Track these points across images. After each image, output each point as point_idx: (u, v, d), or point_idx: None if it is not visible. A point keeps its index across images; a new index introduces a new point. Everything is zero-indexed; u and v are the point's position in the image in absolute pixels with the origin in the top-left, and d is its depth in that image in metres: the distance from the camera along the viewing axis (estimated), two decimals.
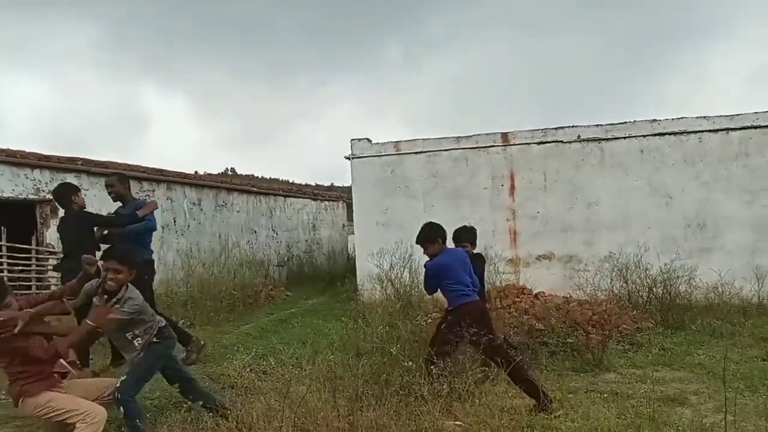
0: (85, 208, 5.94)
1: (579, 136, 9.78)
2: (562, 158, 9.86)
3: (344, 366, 4.38)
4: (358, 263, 10.94)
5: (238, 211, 13.90)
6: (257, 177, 48.01)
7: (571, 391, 5.12)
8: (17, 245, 8.68)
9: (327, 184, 48.28)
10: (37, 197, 9.12)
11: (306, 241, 17.02)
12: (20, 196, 8.88)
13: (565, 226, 9.84)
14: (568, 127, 9.90)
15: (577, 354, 6.20)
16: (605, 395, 4.98)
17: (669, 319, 7.55)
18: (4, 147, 8.80)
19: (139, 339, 3.97)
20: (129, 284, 3.94)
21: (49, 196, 9.22)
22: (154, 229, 6.08)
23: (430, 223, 5.44)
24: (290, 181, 44.38)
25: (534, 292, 9.50)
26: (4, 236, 8.58)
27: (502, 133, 10.17)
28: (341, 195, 20.19)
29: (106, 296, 3.83)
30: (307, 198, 17.53)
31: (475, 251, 5.82)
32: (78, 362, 3.69)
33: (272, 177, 49.58)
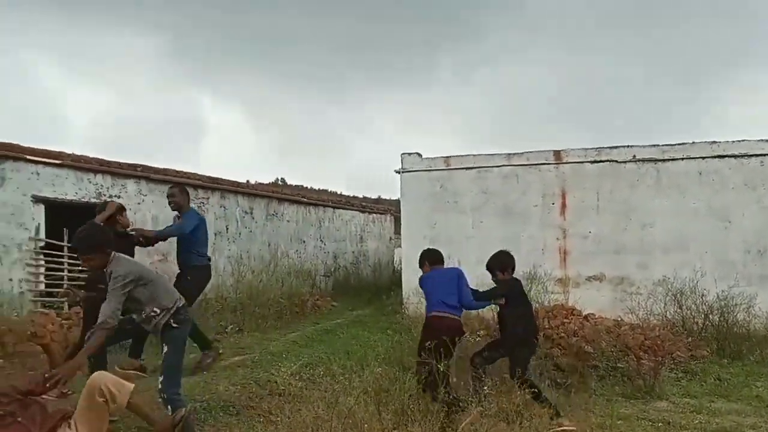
0: (129, 227, 6.20)
1: (635, 156, 9.57)
2: (616, 178, 9.66)
3: (391, 379, 4.40)
4: (404, 277, 10.95)
5: (288, 221, 14.14)
6: (306, 187, 48.69)
7: (621, 417, 4.99)
8: None
9: (374, 196, 48.54)
10: (98, 201, 9.51)
11: (353, 252, 17.15)
12: (83, 200, 9.28)
13: (617, 247, 9.61)
14: (624, 146, 9.70)
15: (628, 380, 6.05)
16: (658, 424, 4.84)
17: (726, 348, 7.28)
18: (69, 152, 9.24)
19: (157, 317, 3.98)
20: (114, 259, 3.89)
21: (111, 201, 9.63)
22: (182, 233, 6.27)
23: (431, 249, 5.98)
24: (338, 192, 44.82)
25: (583, 314, 9.30)
26: (66, 238, 8.97)
27: (554, 150, 10.06)
28: (389, 208, 20.28)
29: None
30: (356, 210, 17.69)
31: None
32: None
33: (321, 188, 50.20)
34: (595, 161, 9.79)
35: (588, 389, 5.85)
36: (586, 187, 9.82)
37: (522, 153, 10.25)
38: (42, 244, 8.61)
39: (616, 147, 9.74)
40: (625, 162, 9.62)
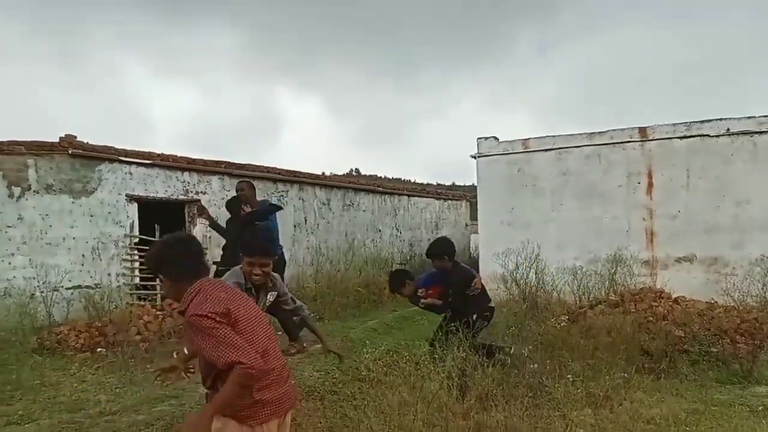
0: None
1: (728, 129, 8.98)
2: (708, 153, 9.10)
3: (473, 365, 4.37)
4: (481, 263, 10.83)
5: (363, 211, 14.30)
6: (380, 177, 49.04)
7: (715, 403, 4.73)
8: None
9: (448, 183, 48.19)
10: (186, 198, 9.98)
11: (428, 240, 17.10)
12: (172, 197, 9.76)
13: (709, 226, 9.08)
14: (716, 119, 9.11)
15: (723, 364, 5.72)
16: (758, 409, 4.54)
17: None
18: (158, 152, 9.73)
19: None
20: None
21: (197, 197, 10.09)
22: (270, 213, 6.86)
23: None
24: (413, 180, 44.85)
25: (673, 297, 8.85)
26: (157, 234, 9.46)
27: (639, 127, 9.60)
28: (464, 194, 20.07)
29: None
30: (431, 197, 17.64)
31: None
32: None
33: (395, 176, 50.40)
34: (685, 137, 9.26)
35: (679, 374, 5.58)
36: (674, 165, 9.32)
37: (605, 131, 9.86)
38: (136, 240, 9.14)
39: (708, 121, 9.18)
40: (717, 136, 9.05)
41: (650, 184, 9.48)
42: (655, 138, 9.47)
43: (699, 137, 9.16)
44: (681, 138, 9.30)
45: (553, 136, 10.26)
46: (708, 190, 9.10)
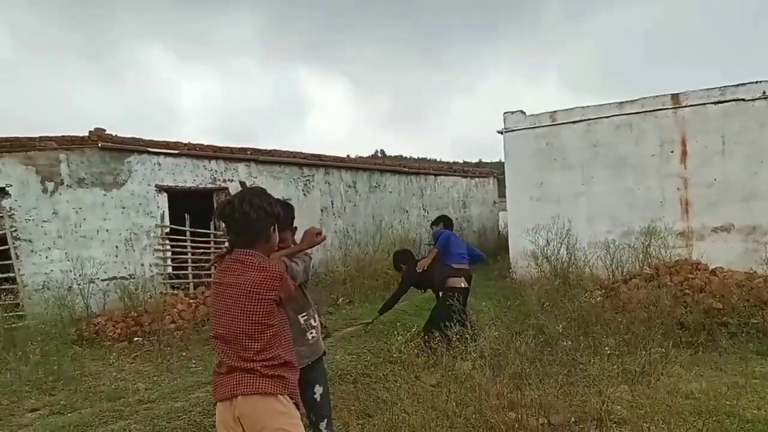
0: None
1: (764, 93, 8.63)
2: (744, 117, 8.78)
3: (506, 344, 4.32)
4: (510, 240, 10.71)
5: (390, 192, 14.25)
6: (406, 157, 48.86)
7: (756, 376, 4.61)
8: (198, 230, 9.66)
9: (475, 160, 47.77)
10: (214, 186, 10.06)
11: (456, 219, 17.00)
12: (200, 186, 9.85)
13: (747, 193, 8.79)
14: (752, 83, 8.77)
15: (763, 336, 5.57)
16: None
17: None
18: (185, 141, 9.80)
19: None
20: None
21: (224, 185, 10.16)
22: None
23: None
24: (439, 159, 44.55)
25: (710, 268, 8.63)
26: (187, 222, 9.58)
27: (672, 94, 9.29)
28: (492, 171, 19.84)
29: None
30: (457, 175, 17.47)
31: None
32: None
33: (421, 156, 50.14)
34: (719, 102, 8.95)
35: (718, 347, 5.45)
36: (709, 131, 9.03)
37: (635, 100, 9.58)
38: (167, 230, 9.26)
39: (743, 84, 8.84)
40: (753, 100, 8.72)
41: (684, 152, 9.21)
42: (689, 104, 9.17)
43: (734, 102, 8.83)
44: (715, 103, 8.98)
45: (582, 107, 10.02)
46: (745, 156, 8.80)
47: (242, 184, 7.30)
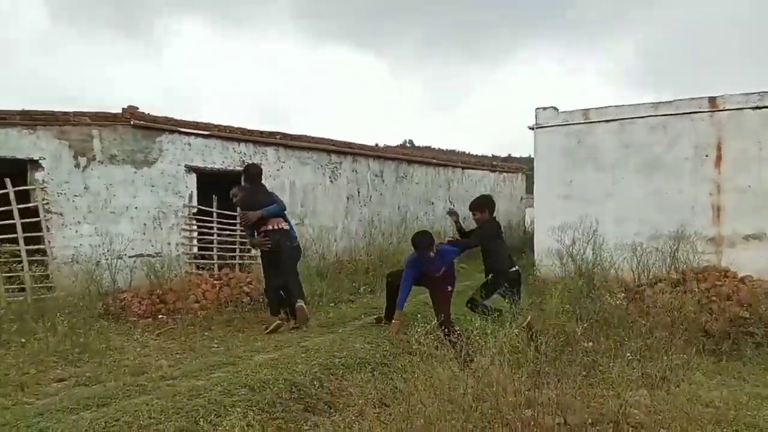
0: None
1: None
2: None
3: (525, 341, 4.30)
4: (536, 237, 10.61)
5: (417, 183, 14.23)
6: (434, 148, 48.64)
7: None
8: (225, 212, 9.77)
9: (504, 155, 47.34)
10: (242, 168, 10.14)
11: None
12: (229, 168, 9.95)
13: None
14: None
15: None
16: None
17: None
18: (215, 123, 9.90)
19: None
20: None
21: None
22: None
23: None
24: (467, 152, 44.26)
25: (739, 276, 8.44)
26: (215, 203, 9.70)
27: (709, 97, 9.06)
28: (520, 166, 19.65)
29: None
30: (486, 169, 17.35)
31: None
32: None
33: (449, 148, 49.87)
34: (758, 107, 8.69)
35: (742, 357, 5.35)
36: (746, 136, 8.80)
37: (671, 101, 9.37)
38: (195, 210, 9.39)
39: None
40: None
41: (719, 157, 8.99)
42: (726, 108, 8.94)
43: None
44: (754, 108, 8.74)
45: (616, 106, 9.83)
46: None
47: (233, 195, 7.35)
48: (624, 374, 3.95)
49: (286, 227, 6.73)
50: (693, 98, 9.21)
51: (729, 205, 8.94)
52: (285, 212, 6.87)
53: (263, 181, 7.20)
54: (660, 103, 9.46)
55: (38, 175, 7.88)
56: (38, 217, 7.74)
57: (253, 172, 7.03)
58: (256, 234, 6.62)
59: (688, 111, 9.18)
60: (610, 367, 4.12)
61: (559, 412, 3.46)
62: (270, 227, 6.57)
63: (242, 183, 7.18)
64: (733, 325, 5.90)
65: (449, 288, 6.24)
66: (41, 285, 7.22)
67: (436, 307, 6.16)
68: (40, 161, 7.88)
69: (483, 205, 6.75)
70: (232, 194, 7.27)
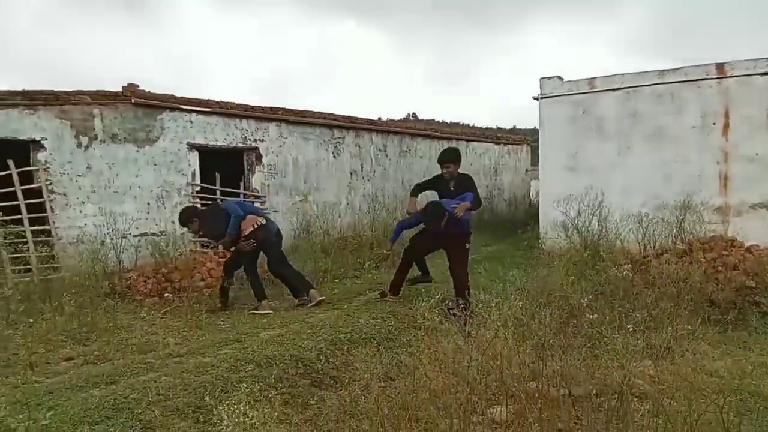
0: None
1: None
2: None
3: (530, 314, 4.29)
4: (541, 210, 10.58)
5: (420, 157, 14.14)
6: (438, 121, 48.30)
7: None
8: (228, 189, 9.76)
9: (509, 126, 46.96)
10: (244, 145, 10.11)
11: (487, 186, 16.83)
12: (231, 145, 9.90)
13: None
14: None
15: None
16: None
17: None
18: (216, 99, 9.82)
19: None
20: None
21: (255, 144, 10.21)
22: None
23: None
24: (472, 124, 43.92)
25: (745, 245, 8.40)
26: (218, 181, 9.67)
27: (716, 64, 8.92)
28: (525, 138, 19.50)
29: None
30: (490, 142, 17.23)
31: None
32: None
33: (453, 121, 49.49)
34: (766, 73, 8.56)
35: (748, 326, 5.34)
36: (754, 103, 8.67)
37: (678, 68, 9.22)
38: (198, 188, 9.38)
39: None
40: None
41: (726, 125, 8.88)
42: (734, 75, 8.80)
43: None
44: (762, 74, 8.60)
45: (622, 74, 9.69)
46: None
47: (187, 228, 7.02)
48: (628, 345, 3.94)
49: (263, 221, 6.71)
50: (700, 65, 9.07)
51: (736, 173, 8.86)
52: (252, 210, 6.84)
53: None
54: (666, 70, 9.32)
55: (40, 156, 7.86)
56: (42, 197, 7.74)
57: (197, 212, 6.94)
58: (241, 241, 6.59)
59: (695, 78, 9.05)
60: (614, 339, 4.11)
61: (564, 383, 3.46)
62: (250, 229, 6.55)
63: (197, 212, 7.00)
64: (739, 295, 5.88)
65: (467, 245, 6.38)
66: (47, 265, 7.26)
67: (452, 268, 6.25)
68: (42, 142, 7.85)
69: (455, 158, 6.60)
70: (186, 228, 7.03)
